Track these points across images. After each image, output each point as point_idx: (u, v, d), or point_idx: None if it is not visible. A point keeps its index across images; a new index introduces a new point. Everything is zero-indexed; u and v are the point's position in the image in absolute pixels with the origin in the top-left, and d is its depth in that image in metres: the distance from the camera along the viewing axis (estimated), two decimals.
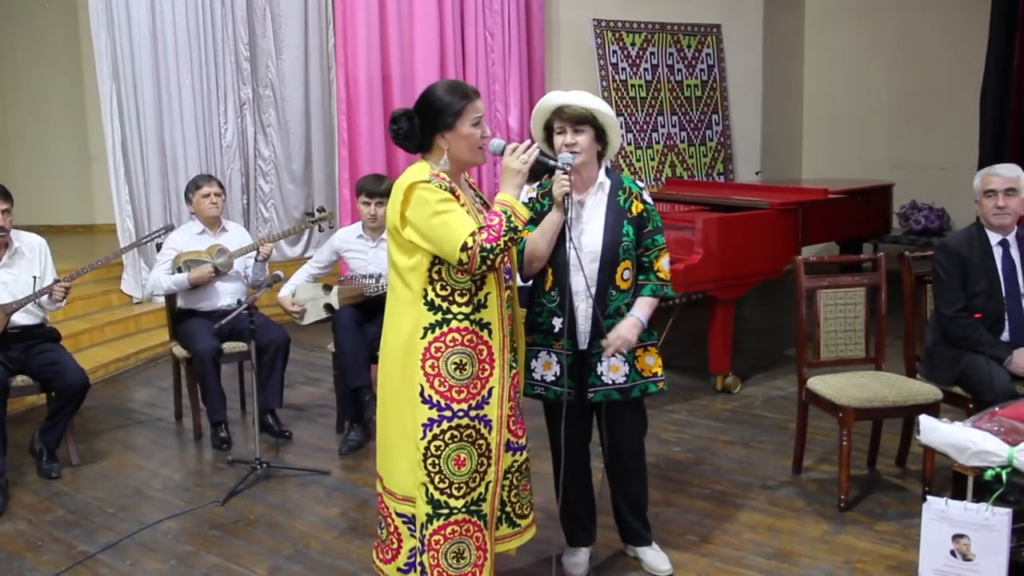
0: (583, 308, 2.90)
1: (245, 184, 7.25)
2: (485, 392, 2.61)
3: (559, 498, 3.04)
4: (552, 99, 2.90)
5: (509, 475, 2.74)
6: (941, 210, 7.64)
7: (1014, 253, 3.56)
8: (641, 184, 3.01)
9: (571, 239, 2.79)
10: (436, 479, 2.57)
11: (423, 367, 2.55)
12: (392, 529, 2.69)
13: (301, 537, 3.50)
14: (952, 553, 2.58)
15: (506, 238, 2.49)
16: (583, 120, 2.83)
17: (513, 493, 2.78)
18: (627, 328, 2.88)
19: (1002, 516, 2.51)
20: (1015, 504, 2.58)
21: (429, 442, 2.56)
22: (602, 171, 2.96)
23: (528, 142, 2.65)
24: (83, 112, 8.89)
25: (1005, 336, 3.52)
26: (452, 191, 2.55)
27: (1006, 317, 3.52)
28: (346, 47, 6.96)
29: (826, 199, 5.61)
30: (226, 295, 4.62)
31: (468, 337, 2.56)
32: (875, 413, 3.59)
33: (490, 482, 2.65)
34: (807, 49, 8.88)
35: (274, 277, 4.26)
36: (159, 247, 4.70)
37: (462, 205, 2.56)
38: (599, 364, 2.93)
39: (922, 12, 8.09)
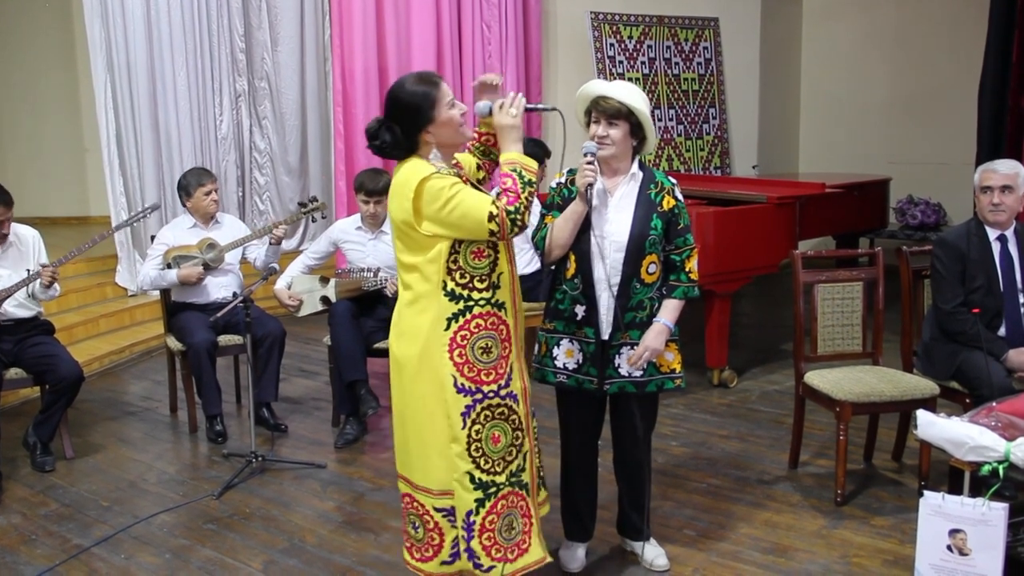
0: (604, 298, 2.87)
1: (240, 176, 7.21)
2: (508, 369, 2.62)
3: (562, 491, 3.03)
4: (593, 87, 2.85)
5: (536, 441, 2.76)
6: (938, 205, 7.64)
7: (1012, 249, 3.54)
8: (674, 180, 2.96)
9: (594, 230, 2.75)
10: (481, 462, 2.58)
11: (452, 357, 2.54)
12: (432, 526, 2.66)
13: (297, 531, 3.49)
14: (948, 548, 2.58)
15: (525, 194, 2.49)
16: (618, 114, 2.79)
17: (540, 458, 2.81)
18: (653, 337, 2.86)
19: (998, 511, 2.51)
20: (1012, 499, 2.59)
21: (470, 428, 2.56)
22: (635, 164, 2.91)
23: (512, 94, 2.58)
24: (77, 104, 8.84)
25: (1002, 332, 3.52)
26: (458, 175, 2.58)
27: (1004, 313, 3.52)
28: (342, 39, 6.93)
29: (823, 193, 5.61)
30: (219, 288, 4.59)
31: (490, 320, 2.57)
32: (872, 408, 3.59)
33: (526, 452, 2.67)
34: (805, 43, 8.87)
35: (269, 270, 4.24)
36: (152, 238, 4.67)
37: (467, 183, 2.57)
38: (617, 356, 2.91)
39: (920, 7, 8.08)
